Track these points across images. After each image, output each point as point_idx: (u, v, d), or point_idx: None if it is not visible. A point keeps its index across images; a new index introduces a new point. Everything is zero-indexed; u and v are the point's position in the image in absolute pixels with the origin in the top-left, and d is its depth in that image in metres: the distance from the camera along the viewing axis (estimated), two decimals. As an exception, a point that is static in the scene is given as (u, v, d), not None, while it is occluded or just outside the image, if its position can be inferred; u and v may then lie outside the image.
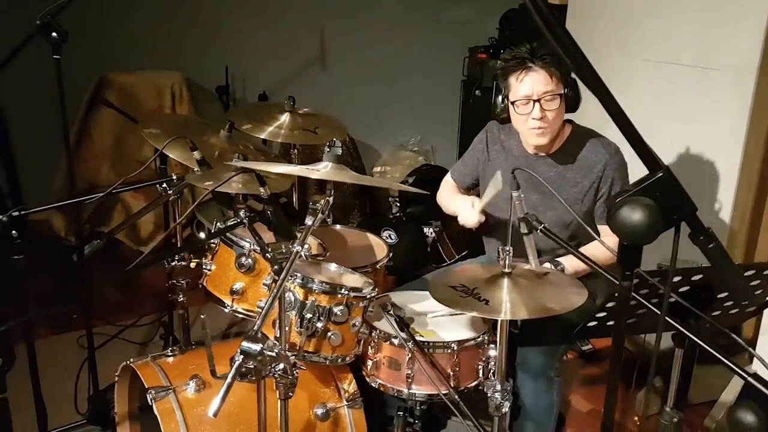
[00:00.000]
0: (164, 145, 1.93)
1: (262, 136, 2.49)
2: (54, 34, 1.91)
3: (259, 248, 1.86)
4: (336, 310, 1.67)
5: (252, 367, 1.21)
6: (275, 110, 2.57)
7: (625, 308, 0.84)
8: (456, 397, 1.66)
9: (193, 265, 2.11)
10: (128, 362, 1.87)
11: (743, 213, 2.47)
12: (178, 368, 1.82)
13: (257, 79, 4.57)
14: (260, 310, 1.80)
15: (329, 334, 1.67)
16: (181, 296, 2.31)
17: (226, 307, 1.95)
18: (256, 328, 1.24)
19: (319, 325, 1.64)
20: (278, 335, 1.59)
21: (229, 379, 1.17)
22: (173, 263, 2.21)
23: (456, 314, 1.97)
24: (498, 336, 1.62)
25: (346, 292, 1.70)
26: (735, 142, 2.40)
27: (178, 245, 2.35)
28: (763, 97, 2.32)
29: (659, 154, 2.00)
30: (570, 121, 2.09)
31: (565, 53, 0.72)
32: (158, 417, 1.64)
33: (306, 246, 1.34)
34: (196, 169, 2.04)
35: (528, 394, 1.96)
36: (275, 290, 1.28)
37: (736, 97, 2.38)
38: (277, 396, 1.50)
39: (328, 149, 1.37)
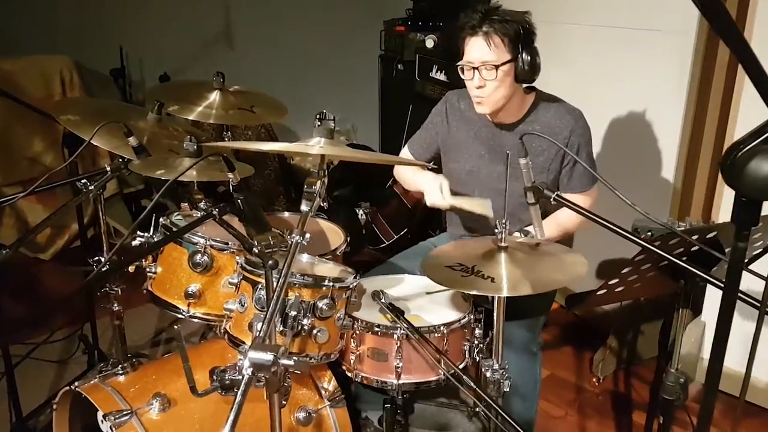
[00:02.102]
0: (94, 132, 1.66)
1: (192, 117, 2.24)
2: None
3: (222, 243, 1.66)
4: (321, 304, 1.51)
5: (264, 379, 1.03)
6: (202, 89, 2.32)
7: (738, 271, 0.75)
8: (459, 372, 1.55)
9: (131, 269, 1.85)
10: (71, 386, 1.60)
11: (686, 168, 2.53)
12: (133, 387, 1.59)
13: (156, 60, 4.21)
14: (228, 312, 1.61)
15: (315, 330, 1.51)
16: (115, 305, 2.04)
17: (181, 313, 1.73)
18: (261, 334, 1.06)
19: (306, 321, 1.46)
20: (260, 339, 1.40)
21: (239, 398, 0.99)
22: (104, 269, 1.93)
23: (434, 291, 1.88)
24: (495, 313, 1.52)
25: (330, 284, 1.53)
26: (677, 100, 2.44)
27: (105, 247, 2.07)
28: (703, 56, 2.37)
29: (601, 117, 1.96)
30: (533, 89, 2.01)
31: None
32: (123, 447, 1.41)
33: (307, 235, 1.17)
34: (127, 158, 1.79)
35: (513, 369, 1.89)
36: (278, 288, 1.10)
37: (675, 57, 2.41)
38: (270, 406, 1.33)
39: (319, 123, 1.19)
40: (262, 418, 1.60)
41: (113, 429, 1.44)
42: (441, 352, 1.61)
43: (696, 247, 1.28)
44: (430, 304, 1.83)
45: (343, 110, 4.70)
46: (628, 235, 1.21)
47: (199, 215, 1.50)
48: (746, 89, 2.22)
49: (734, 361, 2.29)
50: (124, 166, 1.76)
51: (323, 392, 1.75)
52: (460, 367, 1.76)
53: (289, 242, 1.15)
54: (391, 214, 3.59)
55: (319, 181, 1.18)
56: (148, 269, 1.78)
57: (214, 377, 1.30)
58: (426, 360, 1.69)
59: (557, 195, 1.35)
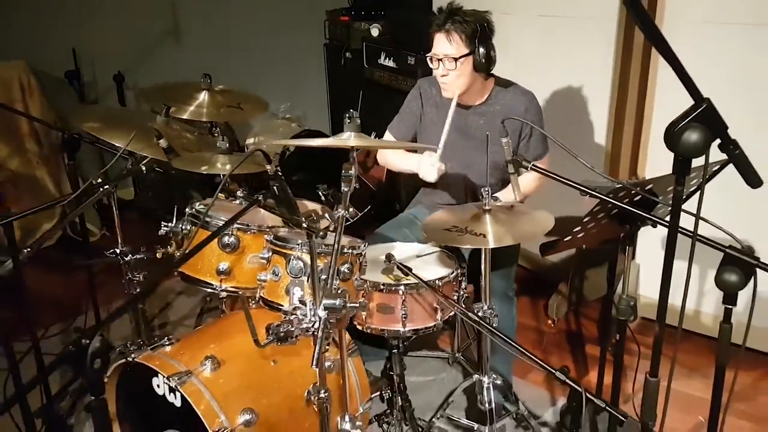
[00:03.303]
0: (130, 139, 1.88)
1: (185, 116, 2.46)
2: None
3: (245, 225, 1.93)
4: (343, 268, 1.81)
5: (333, 321, 1.34)
6: (191, 89, 2.54)
7: (679, 206, 1.11)
8: (462, 309, 1.88)
9: (159, 255, 2.09)
10: (126, 359, 1.85)
11: (614, 136, 2.95)
12: (183, 354, 1.85)
13: (108, 60, 4.31)
14: (261, 282, 1.89)
15: (339, 291, 1.81)
16: (137, 291, 2.27)
17: (214, 289, 1.99)
18: (331, 285, 1.37)
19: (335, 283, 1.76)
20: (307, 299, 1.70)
21: (320, 335, 1.30)
22: (134, 257, 2.17)
23: (424, 255, 2.21)
24: (483, 264, 1.88)
25: (350, 251, 1.84)
26: (603, 80, 2.86)
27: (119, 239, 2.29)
28: (623, 38, 2.78)
29: (542, 96, 2.29)
30: (492, 75, 2.36)
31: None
32: (189, 399, 1.68)
33: (351, 210, 1.47)
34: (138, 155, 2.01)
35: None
36: (333, 254, 1.40)
37: (602, 41, 2.81)
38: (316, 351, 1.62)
39: (348, 120, 1.49)
40: (296, 370, 1.92)
41: (178, 387, 1.70)
42: (446, 296, 1.94)
43: (638, 197, 1.66)
44: (423, 265, 2.16)
45: (291, 98, 4.94)
46: (587, 190, 1.57)
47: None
48: (660, 66, 2.64)
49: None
50: (143, 165, 1.98)
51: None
52: (452, 314, 2.12)
53: (337, 216, 1.45)
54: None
55: (352, 167, 1.48)
56: (177, 254, 2.02)
57: (270, 331, 1.60)
58: (426, 309, 2.04)
59: (533, 165, 1.70)
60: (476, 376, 2.07)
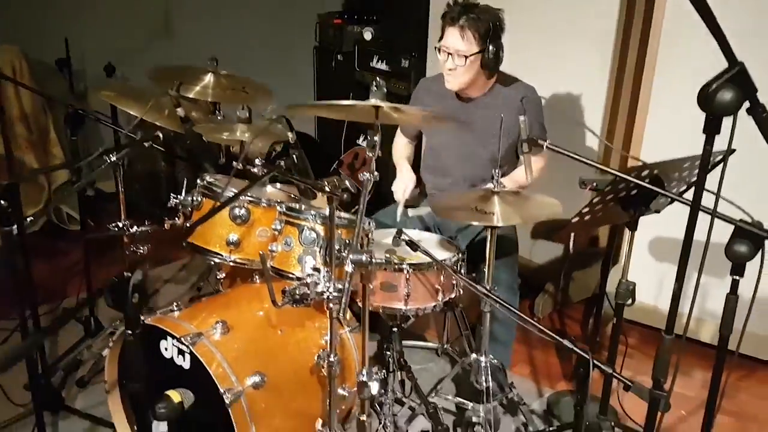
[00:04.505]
0: (148, 106, 1.92)
1: (191, 95, 2.51)
2: None
3: (256, 198, 1.97)
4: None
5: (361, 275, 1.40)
6: (197, 71, 2.59)
7: (704, 168, 1.20)
8: (468, 281, 1.94)
9: (167, 226, 2.12)
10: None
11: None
12: (195, 318, 1.87)
13: (99, 51, 4.31)
14: (272, 252, 1.93)
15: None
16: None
17: (224, 259, 2.02)
18: (357, 242, 1.42)
19: (345, 254, 1.81)
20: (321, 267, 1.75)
21: (347, 285, 1.35)
22: (137, 229, 2.19)
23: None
24: (488, 244, 1.95)
25: (362, 225, 1.90)
26: (600, 77, 2.99)
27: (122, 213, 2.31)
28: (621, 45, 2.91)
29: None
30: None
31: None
32: (201, 359, 1.70)
33: (376, 173, 1.53)
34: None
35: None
36: (359, 215, 1.46)
37: (600, 40, 2.93)
38: (329, 316, 1.67)
39: (375, 88, 1.56)
40: (301, 340, 1.97)
41: (190, 347, 1.72)
42: (429, 284, 1.98)
43: (646, 180, 1.75)
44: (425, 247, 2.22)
45: (278, 101, 4.99)
46: (599, 166, 1.67)
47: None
48: (659, 61, 2.76)
49: (649, 295, 2.88)
50: (150, 138, 2.01)
51: (342, 321, 2.10)
52: (452, 296, 2.18)
53: (363, 180, 1.51)
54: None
55: (377, 135, 1.55)
56: (186, 226, 2.05)
57: (287, 294, 1.65)
58: (428, 289, 2.10)
59: (549, 143, 1.78)
60: (474, 355, 2.13)
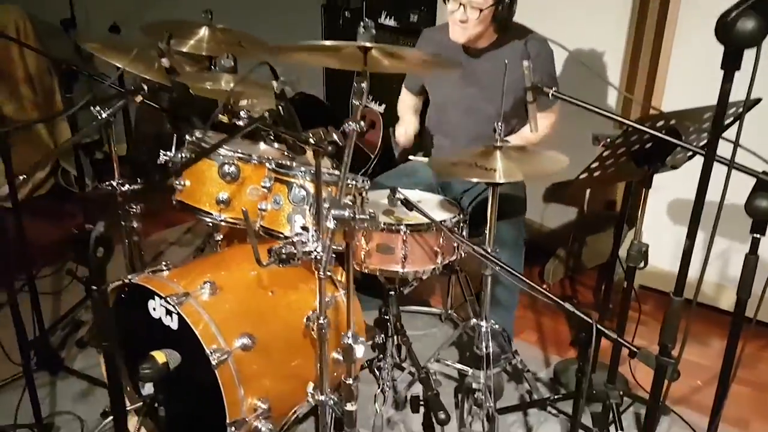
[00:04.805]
0: (132, 54, 1.83)
1: (185, 50, 2.41)
2: None
3: (246, 155, 1.89)
4: (345, 199, 1.77)
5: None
6: (192, 25, 2.49)
7: (722, 109, 1.08)
8: (467, 243, 1.85)
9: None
10: (124, 279, 1.80)
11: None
12: (183, 278, 1.81)
13: (104, 11, 4.22)
14: (261, 212, 1.85)
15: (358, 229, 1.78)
16: (134, 222, 2.22)
17: (213, 218, 1.95)
18: (341, 196, 1.34)
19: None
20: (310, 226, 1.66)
21: (328, 242, 1.27)
22: (129, 187, 2.13)
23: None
24: (489, 202, 1.85)
25: (353, 182, 1.81)
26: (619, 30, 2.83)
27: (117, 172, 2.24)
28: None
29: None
30: None
31: None
32: (187, 320, 1.64)
33: (362, 123, 1.43)
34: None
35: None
36: (343, 167, 1.37)
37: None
38: (317, 276, 1.59)
39: (363, 30, 1.45)
40: (293, 302, 1.90)
41: (176, 307, 1.66)
42: (428, 246, 1.89)
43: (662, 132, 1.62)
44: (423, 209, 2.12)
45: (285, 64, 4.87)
46: (612, 115, 1.54)
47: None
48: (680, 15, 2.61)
49: (666, 260, 2.75)
50: (141, 89, 1.92)
51: (337, 283, 2.03)
52: (453, 259, 2.09)
53: (347, 130, 1.41)
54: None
55: (364, 82, 1.44)
56: (176, 183, 1.98)
57: (273, 253, 1.56)
58: (426, 252, 2.01)
59: (555, 90, 1.65)
60: (474, 320, 2.04)
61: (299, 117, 3.78)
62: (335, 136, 1.50)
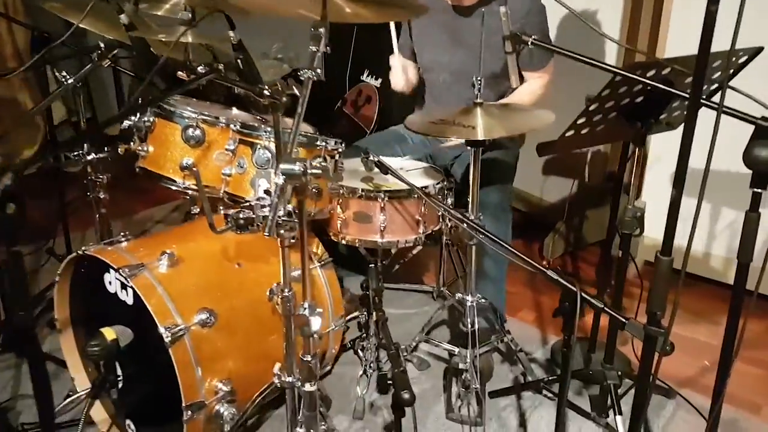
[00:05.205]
0: (85, 13, 1.69)
1: (161, 13, 2.27)
2: None
3: (213, 118, 1.75)
4: (315, 162, 1.63)
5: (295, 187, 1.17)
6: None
7: (708, 32, 0.92)
8: (448, 209, 1.71)
9: (121, 151, 1.92)
10: (77, 252, 1.68)
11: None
12: (140, 249, 1.68)
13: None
14: (225, 177, 1.72)
15: (310, 187, 1.64)
16: (101, 193, 2.10)
17: (176, 186, 1.81)
18: (291, 150, 1.19)
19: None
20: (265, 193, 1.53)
21: (275, 199, 1.13)
22: (94, 156, 2.00)
23: (411, 170, 2.04)
24: (472, 164, 1.70)
25: (323, 144, 1.67)
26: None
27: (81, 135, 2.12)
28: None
29: None
30: None
31: None
32: (139, 293, 1.51)
33: (319, 70, 1.29)
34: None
35: (489, 228, 2.09)
36: (297, 119, 1.22)
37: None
38: (279, 244, 1.45)
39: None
40: (262, 276, 1.77)
41: (128, 279, 1.53)
42: (409, 214, 1.75)
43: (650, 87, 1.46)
44: (407, 177, 1.98)
45: (284, 38, 4.71)
46: (601, 64, 1.37)
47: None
48: None
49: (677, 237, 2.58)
50: (111, 49, 1.80)
51: (312, 255, 1.89)
52: (436, 228, 1.95)
53: (303, 78, 1.26)
54: (343, 133, 3.71)
55: (324, 26, 1.29)
56: (139, 150, 1.84)
57: (229, 218, 1.43)
58: (406, 220, 1.87)
59: (534, 39, 1.50)
60: (459, 294, 1.90)
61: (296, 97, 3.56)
62: (295, 89, 1.36)
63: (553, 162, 2.96)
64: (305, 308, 1.29)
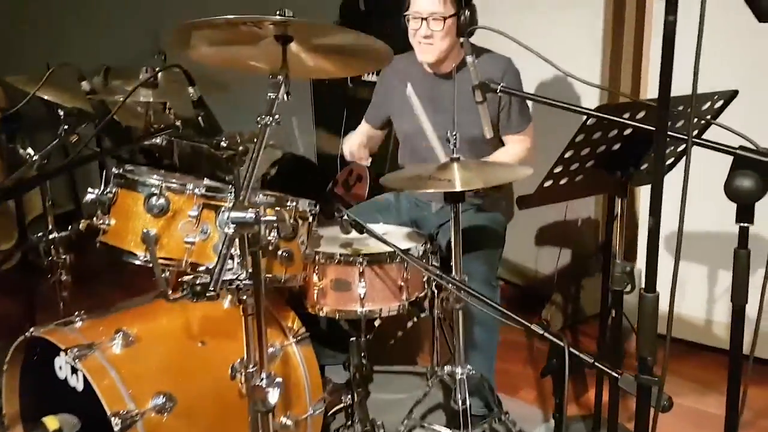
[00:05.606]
0: (44, 78, 1.65)
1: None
2: None
3: (178, 185, 1.66)
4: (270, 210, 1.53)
5: (250, 237, 1.06)
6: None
7: (669, 53, 0.85)
8: (429, 268, 1.59)
9: (83, 227, 1.81)
10: (24, 335, 1.54)
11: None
12: (94, 328, 1.55)
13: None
14: (188, 246, 1.60)
15: (280, 251, 1.52)
16: (63, 275, 1.98)
17: (138, 260, 1.69)
18: (243, 197, 1.09)
19: (271, 237, 1.47)
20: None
21: (223, 251, 1.01)
22: (56, 235, 1.90)
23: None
24: (452, 223, 1.60)
25: (293, 204, 1.56)
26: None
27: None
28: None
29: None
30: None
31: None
32: (88, 377, 1.36)
33: (276, 116, 1.20)
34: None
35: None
36: (250, 167, 1.12)
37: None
38: (242, 313, 1.32)
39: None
40: (228, 355, 1.60)
41: (76, 361, 1.39)
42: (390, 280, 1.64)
43: (628, 131, 1.39)
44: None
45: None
46: (577, 108, 1.30)
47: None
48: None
49: (686, 305, 2.44)
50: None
51: (288, 331, 1.75)
52: (421, 295, 1.82)
53: (260, 124, 1.18)
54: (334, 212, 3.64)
55: (285, 73, 1.22)
56: (101, 224, 1.74)
57: (184, 285, 1.30)
58: (388, 286, 1.74)
59: (502, 86, 1.44)
60: (448, 367, 1.74)
61: (289, 178, 3.55)
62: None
63: (545, 231, 2.86)
64: (263, 379, 1.14)
